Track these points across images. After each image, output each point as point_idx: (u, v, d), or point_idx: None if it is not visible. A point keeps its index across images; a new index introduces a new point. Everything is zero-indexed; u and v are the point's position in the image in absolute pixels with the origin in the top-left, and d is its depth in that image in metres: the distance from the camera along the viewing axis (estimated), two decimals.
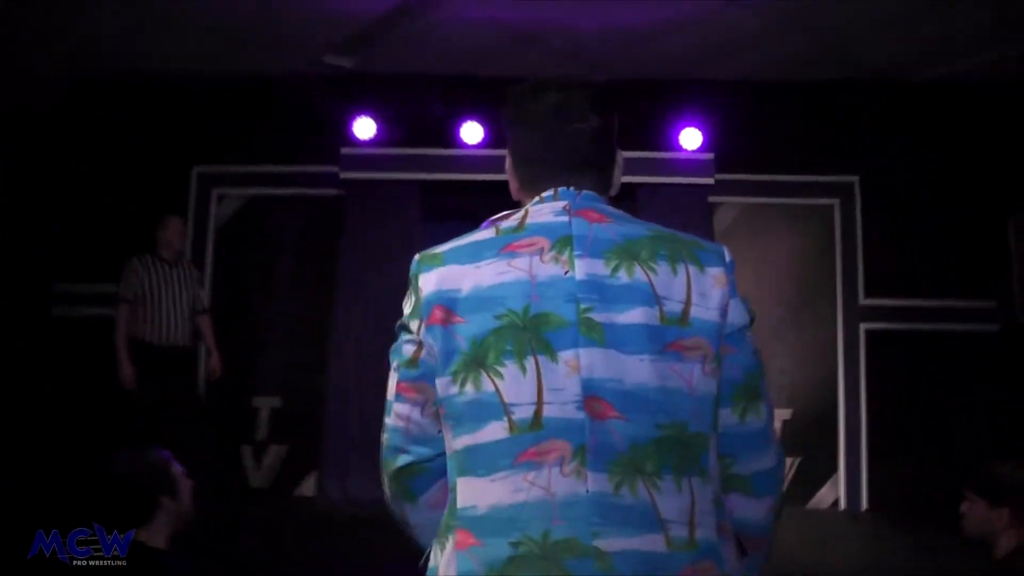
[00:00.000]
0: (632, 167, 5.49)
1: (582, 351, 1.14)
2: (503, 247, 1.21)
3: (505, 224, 1.25)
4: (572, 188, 1.27)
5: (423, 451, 1.25)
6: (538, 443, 1.12)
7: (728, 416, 1.22)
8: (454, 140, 5.57)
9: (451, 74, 5.62)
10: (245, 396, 5.68)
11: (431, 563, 1.20)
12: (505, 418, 1.13)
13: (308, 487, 5.61)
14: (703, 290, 1.20)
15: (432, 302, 1.21)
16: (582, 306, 1.16)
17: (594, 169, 1.29)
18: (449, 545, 1.15)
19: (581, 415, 1.12)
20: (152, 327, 4.95)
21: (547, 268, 1.18)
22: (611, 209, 1.27)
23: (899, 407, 5.54)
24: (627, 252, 1.19)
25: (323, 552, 4.49)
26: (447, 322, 1.19)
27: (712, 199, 5.67)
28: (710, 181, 5.54)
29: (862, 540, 5.11)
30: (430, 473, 1.26)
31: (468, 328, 1.17)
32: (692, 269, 1.21)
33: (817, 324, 5.69)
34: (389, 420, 1.27)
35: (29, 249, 5.85)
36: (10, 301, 5.75)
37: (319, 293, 5.69)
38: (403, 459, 1.26)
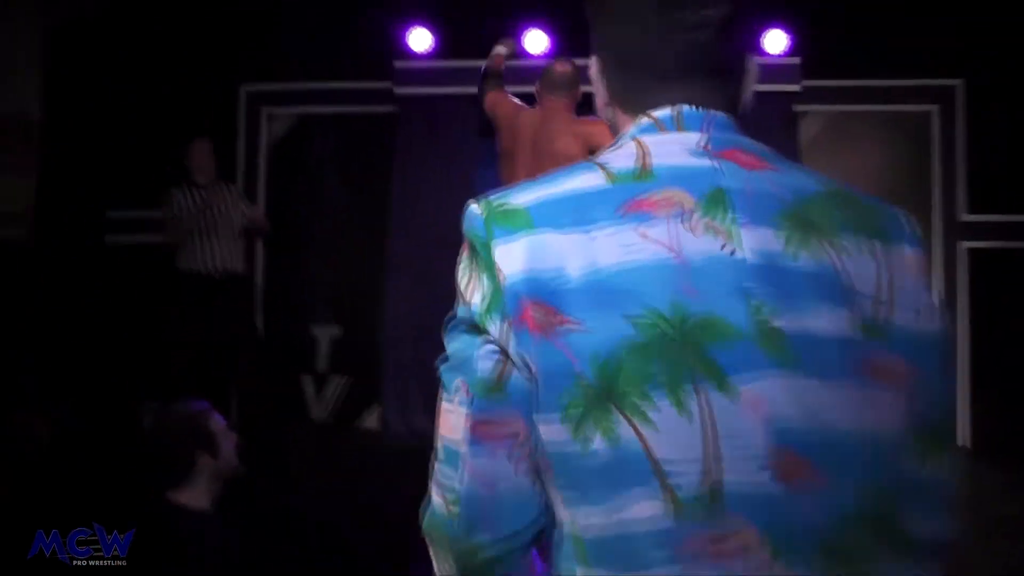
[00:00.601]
0: None
1: (768, 379, 0.76)
2: (626, 204, 0.80)
3: (617, 165, 0.84)
4: (696, 107, 0.87)
5: (518, 525, 0.80)
6: (712, 526, 0.74)
7: (908, 463, 0.82)
8: (517, 49, 5.15)
9: None
10: (303, 325, 5.49)
11: None
12: (659, 487, 0.74)
13: (372, 420, 5.45)
14: (899, 283, 0.82)
15: (520, 292, 0.78)
16: (755, 304, 0.77)
17: (721, 78, 0.90)
18: None
19: (771, 481, 0.75)
20: (199, 256, 4.77)
21: (699, 242, 0.79)
22: (762, 147, 0.89)
23: (1006, 336, 5.08)
24: (802, 218, 0.81)
25: (388, 487, 4.34)
26: (548, 327, 0.77)
27: (797, 108, 5.20)
28: (796, 88, 5.06)
29: (959, 479, 4.76)
30: (525, 552, 0.82)
31: (586, 338, 0.76)
32: (880, 247, 0.83)
33: None
34: (455, 479, 0.81)
35: (80, 175, 5.70)
36: (63, 228, 5.63)
37: (375, 215, 5.42)
38: (487, 547, 0.80)
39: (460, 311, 0.84)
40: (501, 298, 0.79)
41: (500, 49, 4.37)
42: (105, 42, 5.63)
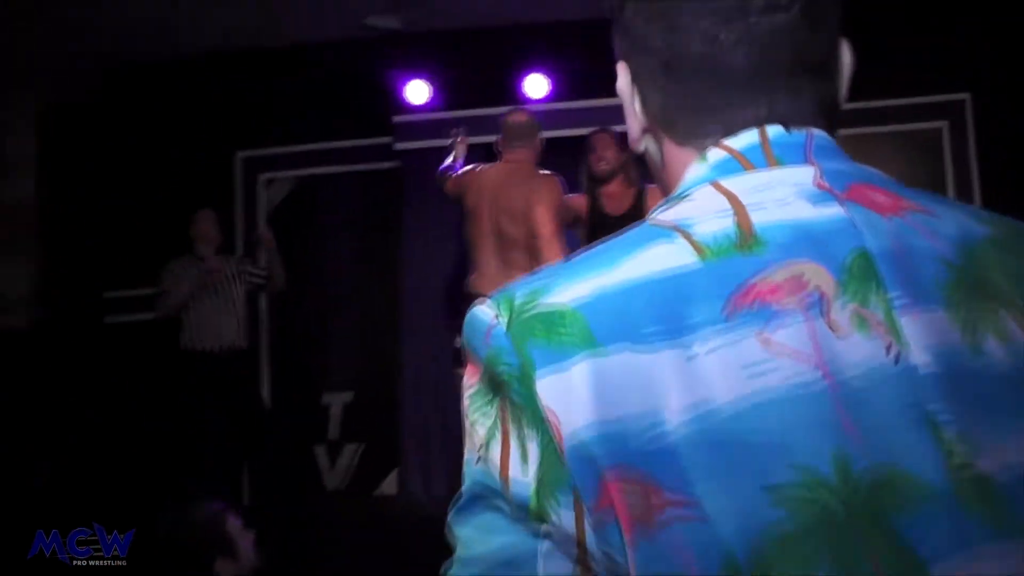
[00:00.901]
0: None
1: (984, 559, 0.49)
2: (734, 295, 0.53)
3: (706, 229, 0.56)
4: (789, 126, 0.60)
5: None
6: None
7: None
8: (516, 96, 5.07)
9: (508, 24, 5.13)
10: (314, 393, 5.29)
11: None
12: None
13: (389, 485, 5.20)
14: None
15: (595, 456, 0.51)
16: (946, 438, 0.50)
17: (813, 77, 0.62)
18: None
19: None
20: (202, 334, 4.54)
21: (851, 346, 0.52)
22: (889, 177, 0.61)
23: None
24: (976, 283, 0.55)
25: (408, 553, 4.10)
26: (647, 513, 0.49)
27: None
28: None
29: None
30: None
31: (707, 530, 0.49)
32: None
33: None
34: None
35: (77, 255, 5.56)
36: (61, 309, 5.48)
37: (384, 275, 5.27)
38: None
39: (481, 481, 0.55)
40: (562, 468, 0.51)
41: (457, 151, 4.27)
42: (96, 121, 5.56)
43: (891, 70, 5.07)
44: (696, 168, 0.61)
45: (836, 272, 0.54)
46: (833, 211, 0.56)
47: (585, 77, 5.02)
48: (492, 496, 0.54)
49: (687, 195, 0.59)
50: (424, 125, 5.13)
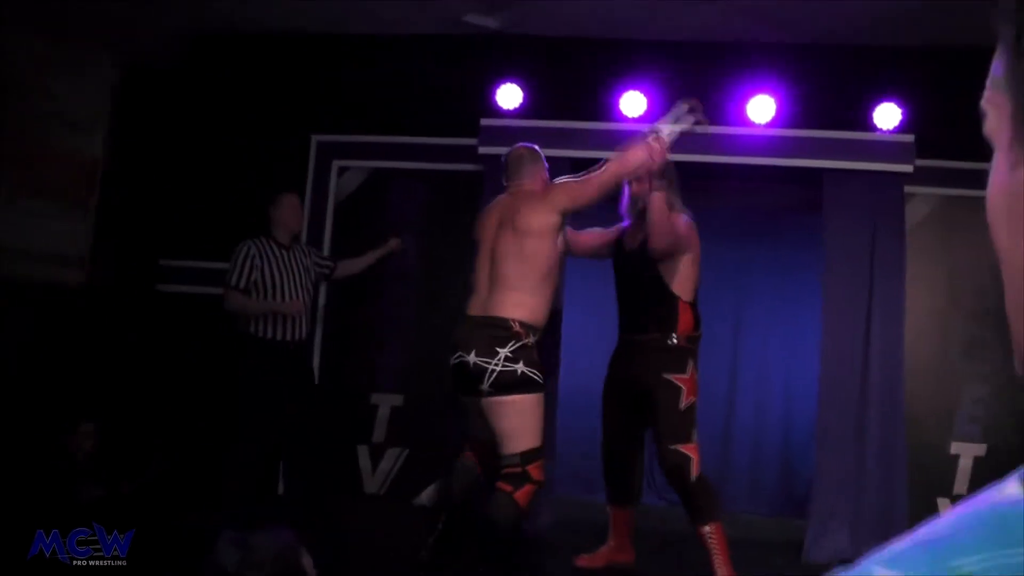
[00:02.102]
0: (819, 148, 4.82)
1: None
2: None
3: None
4: None
5: None
6: None
7: None
8: (611, 112, 4.89)
9: (609, 37, 4.96)
10: (363, 392, 5.12)
11: None
12: None
13: (429, 496, 5.02)
14: None
15: None
16: None
17: None
18: None
19: None
20: (270, 322, 4.31)
21: None
22: None
23: None
24: None
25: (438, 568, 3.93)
26: None
27: (907, 189, 4.88)
28: (909, 168, 4.74)
29: None
30: None
31: None
32: None
33: None
34: None
35: (140, 221, 5.46)
36: (116, 271, 5.38)
37: (450, 279, 5.10)
38: None
39: None
40: None
41: None
42: (175, 88, 5.45)
43: None
44: None
45: None
46: None
47: (681, 94, 4.83)
48: None
49: None
50: (512, 131, 4.94)
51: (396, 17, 5.04)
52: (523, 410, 3.41)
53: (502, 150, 4.92)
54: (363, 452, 5.09)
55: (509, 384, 3.38)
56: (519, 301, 3.46)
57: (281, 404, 4.31)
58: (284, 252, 4.41)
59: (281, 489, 4.92)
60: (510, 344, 3.39)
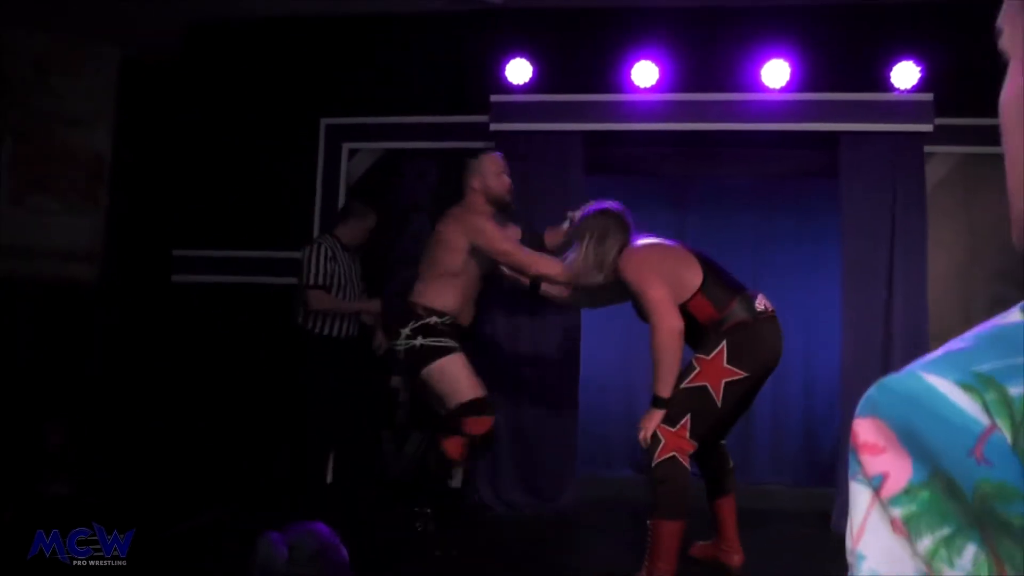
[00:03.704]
0: (835, 111, 4.73)
1: None
2: None
3: None
4: None
5: None
6: None
7: None
8: (623, 84, 4.81)
9: (617, 5, 4.87)
10: (382, 375, 5.10)
11: None
12: None
13: (455, 479, 5.01)
14: None
15: None
16: None
17: None
18: None
19: None
20: (334, 320, 4.61)
21: None
22: None
23: None
24: None
25: (464, 553, 3.93)
26: None
27: (927, 149, 4.78)
28: (928, 128, 4.64)
29: None
30: None
31: None
32: None
33: None
34: None
35: (152, 214, 5.44)
36: (130, 265, 5.38)
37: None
38: None
39: None
40: None
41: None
42: (179, 78, 5.41)
43: None
44: None
45: None
46: None
47: (694, 69, 4.76)
48: None
49: None
50: (523, 106, 4.89)
51: None
52: (439, 375, 3.95)
53: (514, 127, 4.89)
54: (386, 436, 5.08)
55: (417, 358, 3.96)
56: (423, 289, 4.06)
57: (341, 397, 4.64)
58: (345, 253, 4.68)
59: (330, 478, 4.95)
60: (410, 323, 3.98)
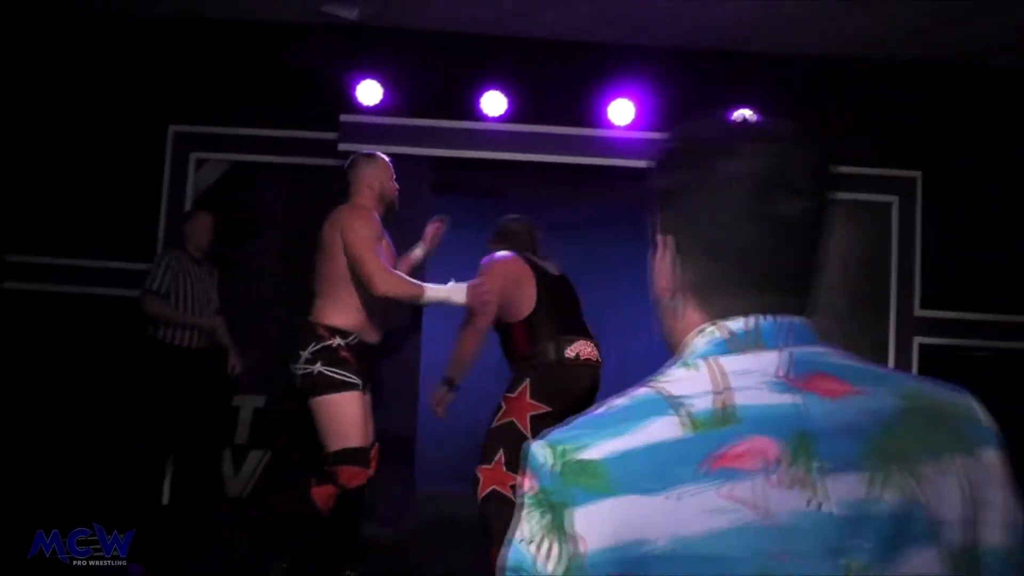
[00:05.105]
0: None
1: None
2: (709, 459, 0.75)
3: (697, 407, 0.77)
4: (774, 316, 0.82)
5: None
6: None
7: None
8: (472, 111, 4.85)
9: (471, 32, 4.90)
10: (226, 392, 5.02)
11: None
12: None
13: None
14: (983, 495, 0.80)
15: (607, 568, 0.73)
16: (844, 562, 0.74)
17: (805, 280, 0.84)
18: None
19: None
20: (175, 330, 4.52)
21: (786, 497, 0.74)
22: (843, 360, 0.82)
23: None
24: (886, 450, 0.77)
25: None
26: None
27: None
28: None
29: None
30: None
31: None
32: (961, 462, 0.80)
33: (867, 336, 5.09)
34: None
35: None
36: None
37: (311, 276, 5.00)
38: None
39: (522, 561, 0.77)
40: (583, 572, 0.74)
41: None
42: (18, 69, 5.13)
43: (848, 138, 5.05)
44: (699, 340, 0.82)
45: (782, 446, 0.75)
46: (787, 399, 0.78)
47: (542, 101, 4.84)
48: (527, 572, 0.77)
49: (688, 362, 0.81)
50: (372, 128, 4.87)
51: (256, 3, 4.86)
52: (328, 411, 3.53)
53: (363, 147, 4.85)
54: (226, 455, 5.00)
55: (311, 385, 3.55)
56: (322, 306, 3.66)
57: (178, 410, 4.51)
58: (195, 266, 4.61)
59: (166, 499, 4.83)
60: (311, 345, 3.57)
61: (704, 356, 0.80)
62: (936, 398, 0.83)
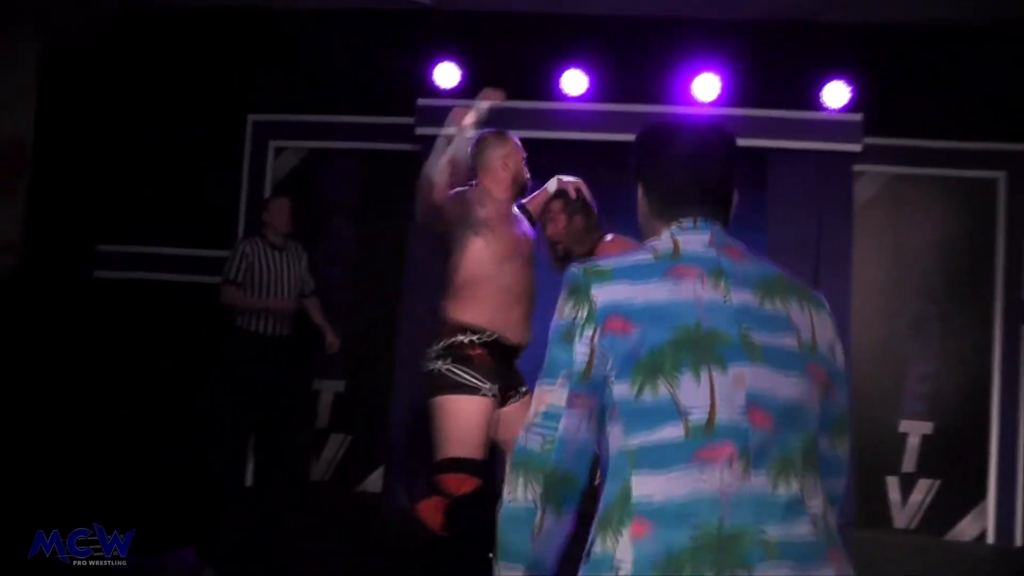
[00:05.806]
0: (765, 128, 4.69)
1: (747, 367, 1.27)
2: (667, 271, 1.33)
3: (660, 249, 1.38)
4: (707, 220, 1.40)
5: (579, 469, 1.34)
6: (710, 444, 1.24)
7: (823, 442, 1.38)
8: (553, 91, 4.73)
9: (549, 12, 4.78)
10: (307, 377, 5.04)
11: (599, 550, 1.26)
12: (681, 421, 1.25)
13: (373, 483, 4.99)
14: (821, 328, 1.37)
15: (608, 311, 1.30)
16: (742, 327, 1.29)
17: (722, 203, 1.44)
18: (625, 534, 1.24)
19: (746, 422, 1.25)
20: (258, 316, 4.57)
21: (709, 293, 1.31)
22: (745, 248, 1.40)
23: None
24: (768, 287, 1.35)
25: (380, 553, 3.92)
26: (624, 331, 1.29)
27: (856, 168, 4.77)
28: (856, 148, 4.63)
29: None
30: (576, 492, 1.36)
31: (645, 337, 1.27)
32: (808, 309, 1.37)
33: (969, 322, 4.80)
34: (554, 429, 1.33)
35: (71, 205, 5.29)
36: (51, 261, 5.23)
37: (388, 262, 4.99)
38: (565, 469, 1.34)
39: (564, 323, 1.33)
40: (594, 315, 1.30)
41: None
42: (105, 67, 5.24)
43: (953, 110, 4.76)
44: (666, 232, 1.40)
45: (707, 271, 1.32)
46: (712, 252, 1.35)
47: (624, 79, 4.69)
48: (566, 332, 1.32)
49: (661, 238, 1.39)
50: (450, 111, 4.78)
51: None
52: (440, 413, 3.03)
53: (440, 131, 4.79)
54: (307, 440, 5.02)
55: (430, 384, 3.07)
56: (449, 301, 3.16)
57: (258, 396, 4.55)
58: (276, 252, 4.62)
59: (250, 481, 4.90)
60: (441, 341, 3.10)
61: (670, 235, 1.38)
62: (793, 279, 1.38)
